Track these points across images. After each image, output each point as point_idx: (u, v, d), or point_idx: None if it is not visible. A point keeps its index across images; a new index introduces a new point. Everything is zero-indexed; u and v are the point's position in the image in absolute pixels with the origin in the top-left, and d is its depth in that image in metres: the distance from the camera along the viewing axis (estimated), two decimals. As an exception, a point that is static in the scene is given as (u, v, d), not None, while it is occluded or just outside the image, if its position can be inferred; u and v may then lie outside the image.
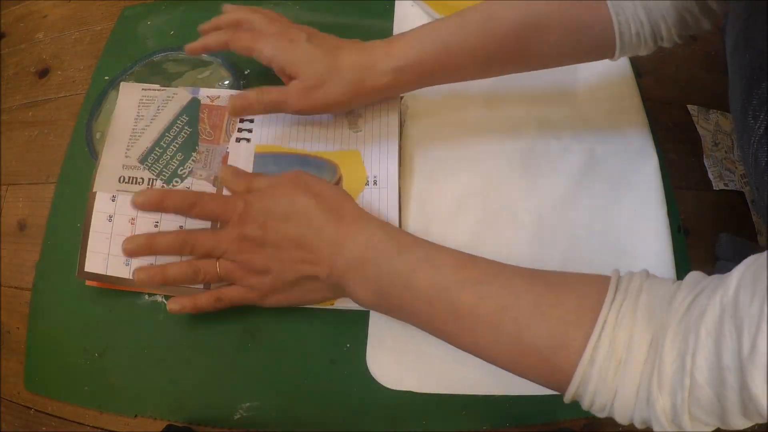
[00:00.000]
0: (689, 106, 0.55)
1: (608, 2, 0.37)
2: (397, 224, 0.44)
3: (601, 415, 0.28)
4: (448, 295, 0.31)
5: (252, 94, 0.43)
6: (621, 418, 0.28)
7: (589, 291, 0.30)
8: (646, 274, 0.31)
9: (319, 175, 0.46)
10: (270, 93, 0.42)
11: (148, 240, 0.39)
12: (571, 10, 0.38)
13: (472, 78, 0.44)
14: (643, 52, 0.40)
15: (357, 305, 0.41)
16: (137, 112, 0.50)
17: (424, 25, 0.42)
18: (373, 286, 0.34)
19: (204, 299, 0.40)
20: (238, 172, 0.43)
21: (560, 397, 0.41)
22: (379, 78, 0.41)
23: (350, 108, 0.47)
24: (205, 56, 0.55)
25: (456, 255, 0.34)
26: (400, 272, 0.33)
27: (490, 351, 0.31)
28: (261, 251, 0.37)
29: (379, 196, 0.45)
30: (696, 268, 0.47)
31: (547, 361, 0.29)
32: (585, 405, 0.29)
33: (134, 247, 0.39)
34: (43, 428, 0.46)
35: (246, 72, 0.55)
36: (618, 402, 0.27)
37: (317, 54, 0.41)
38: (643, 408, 0.26)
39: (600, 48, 0.40)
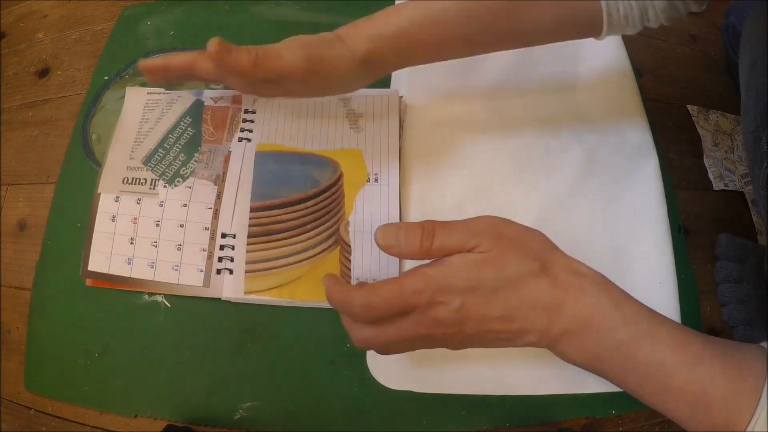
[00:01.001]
0: (689, 106, 0.55)
1: None
2: (397, 221, 0.44)
3: None
4: (663, 373, 0.30)
5: (189, 56, 0.39)
6: None
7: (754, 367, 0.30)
8: None
9: (320, 172, 0.46)
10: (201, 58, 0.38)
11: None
12: None
13: (456, 56, 0.41)
14: (629, 32, 0.40)
15: None
16: (142, 115, 0.51)
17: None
18: (589, 354, 0.31)
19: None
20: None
21: (560, 397, 0.41)
22: (353, 48, 0.37)
23: (311, 88, 0.39)
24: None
25: (674, 330, 0.31)
26: (621, 343, 0.30)
27: (681, 423, 0.31)
28: (455, 329, 0.31)
29: (380, 193, 0.45)
30: (696, 268, 0.47)
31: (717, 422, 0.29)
32: None
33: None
34: (43, 428, 0.46)
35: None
36: None
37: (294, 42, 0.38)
38: None
39: (587, 26, 0.39)
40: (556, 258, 0.32)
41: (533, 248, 0.31)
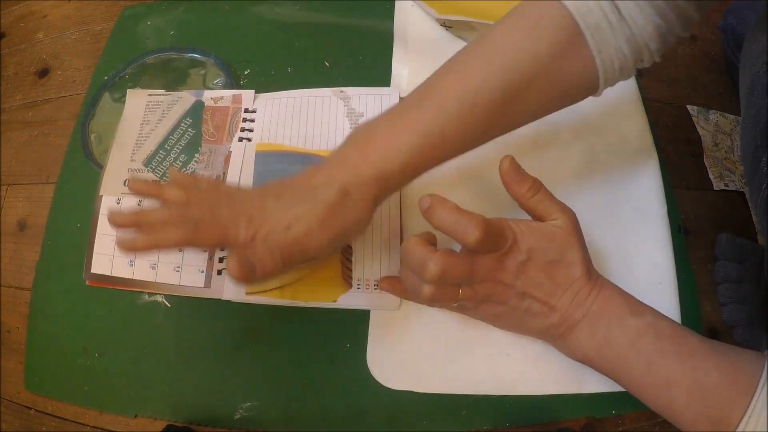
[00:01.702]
0: (689, 107, 0.55)
1: (589, 42, 0.34)
2: (398, 221, 0.44)
3: None
4: (663, 363, 0.32)
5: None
6: None
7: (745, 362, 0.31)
8: None
9: None
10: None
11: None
12: (553, 64, 0.35)
13: (457, 156, 0.39)
14: (624, 79, 0.38)
15: (358, 305, 0.42)
16: (143, 117, 0.51)
17: (392, 119, 0.36)
18: (598, 340, 0.34)
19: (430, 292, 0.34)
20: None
21: (560, 397, 0.41)
22: (364, 200, 0.34)
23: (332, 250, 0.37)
24: (198, 56, 0.55)
25: (674, 325, 0.34)
26: (628, 331, 0.34)
27: (678, 417, 0.32)
28: (510, 286, 0.35)
29: None
30: (696, 268, 0.47)
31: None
32: None
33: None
34: (43, 428, 0.46)
35: (246, 72, 0.55)
36: None
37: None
38: None
39: (583, 91, 0.38)
40: (590, 257, 0.37)
41: (585, 244, 0.37)
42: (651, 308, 0.35)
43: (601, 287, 0.35)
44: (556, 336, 0.36)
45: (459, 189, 0.47)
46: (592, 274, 0.36)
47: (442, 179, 0.47)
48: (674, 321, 0.35)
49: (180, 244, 0.34)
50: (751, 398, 0.29)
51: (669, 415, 0.32)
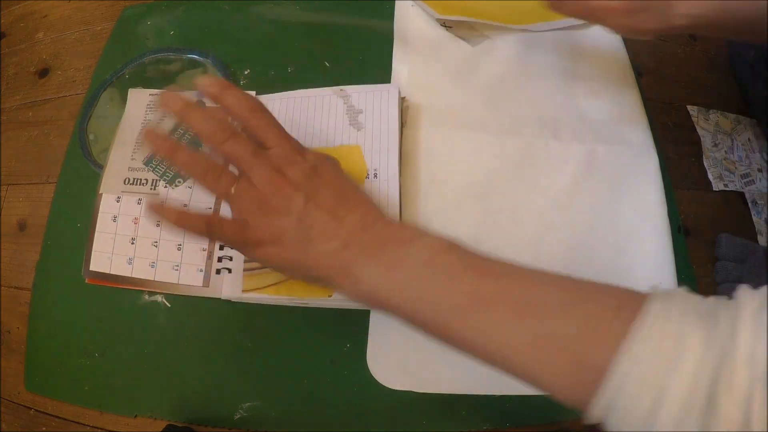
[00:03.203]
0: (689, 107, 0.55)
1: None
2: (397, 220, 0.44)
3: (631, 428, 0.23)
4: (467, 281, 0.28)
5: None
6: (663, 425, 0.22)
7: (626, 294, 0.26)
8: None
9: None
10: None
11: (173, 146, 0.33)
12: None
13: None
14: None
15: (357, 305, 0.41)
16: (144, 116, 0.51)
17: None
18: (388, 263, 0.30)
19: (193, 218, 0.33)
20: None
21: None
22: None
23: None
24: (196, 57, 0.56)
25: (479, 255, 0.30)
26: (423, 250, 0.29)
27: (502, 348, 0.26)
28: (292, 189, 0.32)
29: (379, 189, 0.45)
30: (696, 268, 0.47)
31: (574, 360, 0.24)
32: (616, 417, 0.23)
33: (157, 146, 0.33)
34: (43, 428, 0.46)
35: (246, 72, 0.55)
36: (664, 409, 0.21)
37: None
38: (695, 417, 0.21)
39: None
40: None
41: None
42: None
43: (393, 221, 0.32)
44: (340, 266, 0.31)
45: (470, 204, 0.47)
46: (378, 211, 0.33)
47: (452, 196, 0.47)
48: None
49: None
50: (638, 313, 0.24)
51: (471, 341, 0.27)
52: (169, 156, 0.33)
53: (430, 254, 0.29)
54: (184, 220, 0.33)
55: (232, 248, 0.34)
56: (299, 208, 0.31)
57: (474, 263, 0.28)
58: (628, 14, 0.36)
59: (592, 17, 0.38)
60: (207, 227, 0.32)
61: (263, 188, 0.32)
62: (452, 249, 0.29)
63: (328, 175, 0.33)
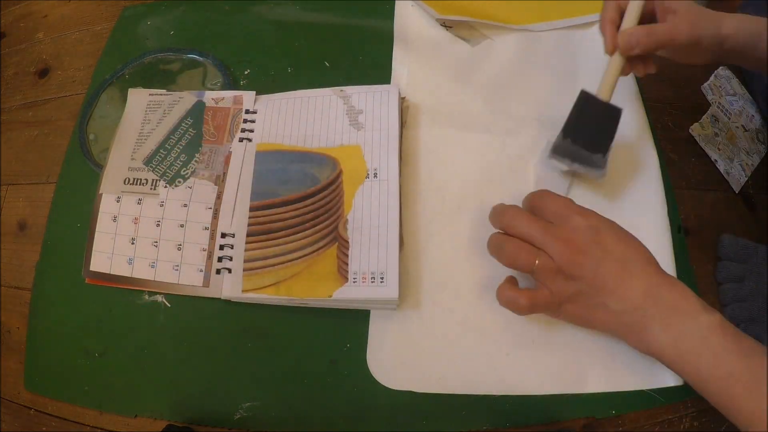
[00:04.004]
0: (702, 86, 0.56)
1: None
2: (397, 219, 0.44)
3: None
4: (727, 361, 0.33)
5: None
6: None
7: None
8: None
9: (319, 169, 0.46)
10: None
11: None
12: None
13: None
14: None
15: (354, 298, 0.41)
16: (144, 116, 0.51)
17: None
18: (674, 334, 0.35)
19: (521, 297, 0.38)
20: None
21: (560, 397, 0.41)
22: None
23: None
24: (196, 57, 0.56)
25: (734, 327, 0.35)
26: (700, 327, 0.35)
27: (736, 411, 0.33)
28: (582, 256, 0.37)
29: (379, 189, 0.45)
30: (696, 268, 0.47)
31: None
32: None
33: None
34: (43, 428, 0.46)
35: (246, 72, 0.55)
36: None
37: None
38: None
39: None
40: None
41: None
42: (714, 308, 0.36)
43: (673, 282, 0.36)
44: (628, 326, 0.37)
45: (470, 203, 0.47)
46: (660, 267, 0.37)
47: (452, 196, 0.47)
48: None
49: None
50: None
51: (728, 409, 0.33)
52: (497, 255, 0.40)
53: (705, 333, 0.34)
54: (510, 304, 0.39)
55: (542, 312, 0.40)
56: (590, 273, 0.37)
57: (729, 346, 0.34)
58: (690, 29, 0.41)
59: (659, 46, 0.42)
60: (529, 303, 0.38)
61: (558, 260, 0.37)
62: (717, 329, 0.34)
63: (611, 238, 0.38)
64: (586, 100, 0.43)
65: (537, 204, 0.41)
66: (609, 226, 0.38)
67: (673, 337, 0.35)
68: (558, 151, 0.44)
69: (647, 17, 0.43)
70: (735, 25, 0.42)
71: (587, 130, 0.43)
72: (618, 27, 0.43)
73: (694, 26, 0.41)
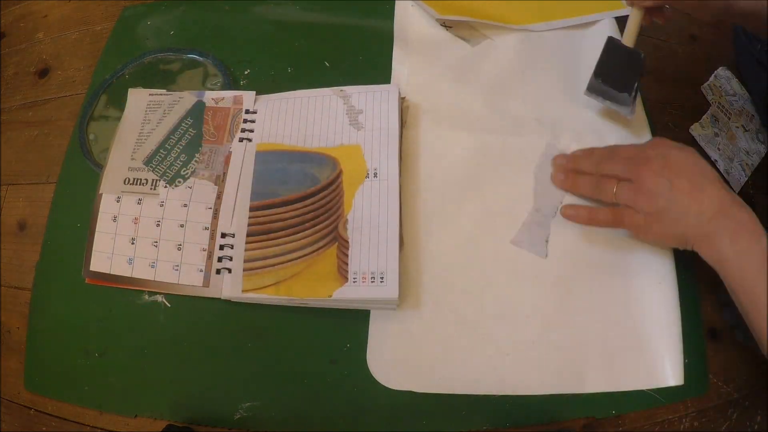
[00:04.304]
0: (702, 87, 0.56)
1: None
2: (397, 218, 0.44)
3: None
4: None
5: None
6: None
7: None
8: None
9: (319, 169, 0.46)
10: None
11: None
12: None
13: None
14: None
15: (354, 298, 0.41)
16: (144, 116, 0.51)
17: None
18: (741, 248, 0.37)
19: (603, 215, 0.44)
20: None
21: (560, 397, 0.41)
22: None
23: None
24: (196, 57, 0.56)
25: None
26: (763, 248, 0.37)
27: None
28: (656, 175, 0.41)
29: (379, 188, 0.45)
30: (696, 269, 0.47)
31: None
32: None
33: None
34: (43, 428, 0.46)
35: (246, 72, 0.55)
36: None
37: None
38: None
39: None
40: None
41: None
42: None
43: (743, 203, 0.39)
44: (704, 234, 0.39)
45: (469, 203, 0.47)
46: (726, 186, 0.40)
47: (452, 195, 0.47)
48: None
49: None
50: None
51: None
52: (572, 188, 0.46)
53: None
54: (594, 219, 0.44)
55: (625, 228, 0.44)
56: (666, 190, 0.40)
57: None
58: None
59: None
60: (614, 217, 0.43)
61: (637, 182, 0.41)
62: None
63: (678, 161, 0.41)
64: (612, 46, 0.48)
65: (606, 153, 0.45)
66: (676, 153, 0.42)
67: (737, 251, 0.38)
68: (592, 89, 0.47)
69: None
70: None
71: (615, 72, 0.47)
72: None
73: None
